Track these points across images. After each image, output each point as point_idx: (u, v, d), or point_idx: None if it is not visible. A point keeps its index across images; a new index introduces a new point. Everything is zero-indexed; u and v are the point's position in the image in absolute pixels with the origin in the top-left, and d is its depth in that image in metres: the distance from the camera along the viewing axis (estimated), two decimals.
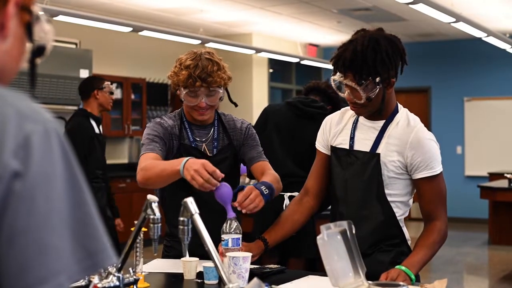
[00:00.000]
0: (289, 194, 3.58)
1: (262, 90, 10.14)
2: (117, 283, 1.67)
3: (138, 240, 1.95)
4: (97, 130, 4.31)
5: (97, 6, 7.62)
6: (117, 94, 8.27)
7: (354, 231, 1.89)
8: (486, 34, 8.07)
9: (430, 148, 2.16)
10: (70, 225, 0.82)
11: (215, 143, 2.49)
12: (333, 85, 2.24)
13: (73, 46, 7.78)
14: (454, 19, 6.99)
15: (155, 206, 1.71)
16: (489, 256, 7.78)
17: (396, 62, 2.16)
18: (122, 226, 4.50)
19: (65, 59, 6.65)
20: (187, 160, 2.12)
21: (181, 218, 1.67)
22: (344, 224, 1.89)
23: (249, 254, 2.05)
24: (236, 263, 2.01)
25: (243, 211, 2.17)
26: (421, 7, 6.29)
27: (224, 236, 2.16)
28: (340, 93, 2.27)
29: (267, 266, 2.27)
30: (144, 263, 2.22)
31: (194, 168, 2.07)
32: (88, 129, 4.24)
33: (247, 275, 2.02)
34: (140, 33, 7.54)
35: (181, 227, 1.68)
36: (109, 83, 4.40)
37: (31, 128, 0.81)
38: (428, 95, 10.62)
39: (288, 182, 3.65)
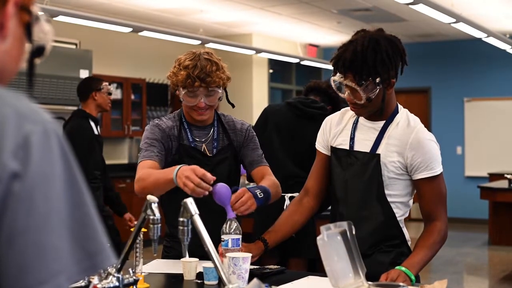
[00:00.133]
0: (289, 195, 3.58)
1: (262, 91, 10.14)
2: (117, 284, 1.67)
3: (137, 241, 1.95)
4: (95, 131, 4.31)
5: (97, 6, 7.62)
6: (117, 94, 8.27)
7: (354, 232, 1.89)
8: (486, 35, 8.07)
9: (430, 149, 2.16)
10: (69, 225, 0.82)
11: (215, 144, 2.49)
12: (333, 86, 2.24)
13: (73, 46, 7.77)
14: (454, 20, 6.99)
15: (155, 206, 1.71)
16: (489, 257, 7.78)
17: (396, 63, 2.16)
18: (134, 220, 4.47)
19: (65, 59, 6.65)
20: (179, 168, 2.12)
21: (181, 219, 1.67)
22: (344, 225, 1.88)
23: (249, 255, 2.05)
24: (236, 264, 2.00)
25: (234, 212, 2.17)
26: (421, 8, 6.29)
27: (224, 237, 2.15)
28: (340, 94, 2.27)
29: (267, 266, 2.27)
30: (144, 263, 2.22)
31: (185, 174, 2.07)
32: (87, 130, 4.24)
33: (247, 275, 2.02)
34: (140, 33, 7.54)
35: (181, 227, 1.68)
36: (107, 83, 4.39)
37: (30, 129, 0.80)
38: (428, 96, 10.62)
39: (289, 183, 3.65)
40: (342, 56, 2.14)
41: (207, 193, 2.09)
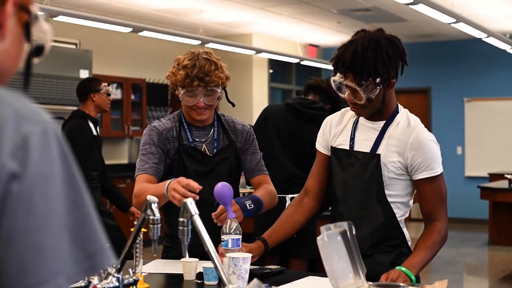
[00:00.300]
0: (290, 195, 3.58)
1: (262, 91, 10.14)
2: (117, 284, 1.67)
3: (137, 241, 1.94)
4: (94, 132, 4.32)
5: (97, 6, 7.62)
6: (117, 94, 8.27)
7: (354, 232, 1.89)
8: (486, 35, 8.07)
9: (430, 149, 2.15)
10: (69, 226, 0.82)
11: (215, 144, 2.49)
12: (333, 86, 2.24)
13: (73, 46, 7.77)
14: (454, 20, 6.99)
15: (154, 206, 1.71)
16: (489, 257, 7.78)
17: (396, 63, 2.15)
18: (138, 213, 4.47)
19: (65, 59, 6.65)
20: (169, 182, 2.13)
21: (181, 219, 1.67)
22: (344, 225, 1.88)
23: (249, 255, 2.05)
24: (236, 264, 2.00)
25: (218, 224, 2.19)
26: (421, 8, 6.29)
27: (224, 237, 2.15)
28: (340, 94, 2.26)
29: (267, 266, 2.27)
30: (144, 263, 2.21)
31: (172, 187, 2.09)
32: (86, 131, 4.25)
33: (247, 275, 2.02)
34: (140, 33, 7.53)
35: (180, 227, 1.67)
36: (106, 84, 4.39)
37: (29, 129, 0.80)
38: (428, 96, 10.62)
39: (289, 184, 3.65)
40: (342, 56, 2.14)
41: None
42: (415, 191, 2.23)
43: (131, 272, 1.75)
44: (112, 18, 7.30)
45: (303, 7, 7.94)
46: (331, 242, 1.82)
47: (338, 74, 2.17)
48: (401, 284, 1.90)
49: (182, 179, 2.09)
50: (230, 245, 2.14)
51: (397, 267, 2.05)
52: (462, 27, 7.42)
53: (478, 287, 6.53)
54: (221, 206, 2.20)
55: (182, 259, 2.16)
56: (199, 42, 8.20)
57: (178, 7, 7.78)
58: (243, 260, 2.01)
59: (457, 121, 10.36)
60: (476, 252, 7.90)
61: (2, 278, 0.77)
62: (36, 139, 0.80)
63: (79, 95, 4.39)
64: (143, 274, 2.05)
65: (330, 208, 2.41)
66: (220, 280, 1.59)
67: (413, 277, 2.03)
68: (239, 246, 2.15)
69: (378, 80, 2.11)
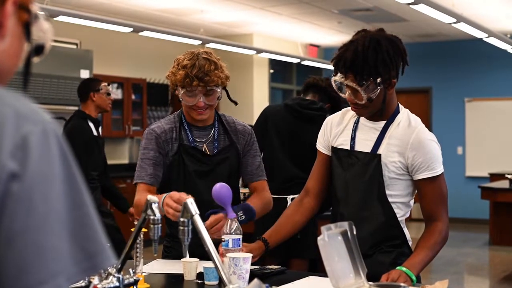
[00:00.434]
0: (291, 196, 3.57)
1: (262, 91, 10.13)
2: (117, 284, 1.66)
3: (138, 241, 1.94)
4: (95, 132, 4.32)
5: (97, 6, 7.62)
6: (118, 94, 8.27)
7: (355, 232, 1.89)
8: (487, 35, 8.06)
9: (431, 149, 2.15)
10: (69, 226, 0.82)
11: (216, 144, 2.49)
12: (334, 86, 2.24)
13: (74, 46, 7.77)
14: (455, 20, 6.99)
15: (155, 206, 1.70)
16: (489, 257, 7.77)
17: (397, 63, 2.15)
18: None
19: (66, 59, 6.65)
20: (164, 197, 2.16)
21: (181, 219, 1.66)
22: (345, 225, 1.88)
23: (250, 255, 2.05)
24: (236, 264, 2.00)
25: (213, 236, 2.21)
26: (421, 8, 6.28)
27: (224, 237, 2.15)
28: (341, 94, 2.26)
29: (267, 266, 2.26)
30: (144, 263, 2.21)
31: (165, 202, 2.14)
32: (86, 131, 4.25)
33: (247, 276, 2.02)
34: (140, 33, 7.53)
35: (181, 227, 1.67)
36: (105, 84, 4.39)
37: (29, 129, 0.80)
38: (429, 96, 10.62)
39: (290, 185, 3.65)
40: (343, 56, 2.13)
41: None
42: (416, 191, 2.23)
43: (131, 272, 1.75)
44: (113, 18, 7.29)
45: (303, 7, 7.93)
46: (331, 242, 1.82)
47: (338, 74, 2.17)
48: (402, 284, 1.90)
49: (174, 194, 2.14)
50: (230, 245, 2.13)
51: (398, 267, 2.05)
52: (462, 27, 7.42)
53: (478, 287, 6.53)
54: (212, 217, 2.22)
55: (182, 259, 2.16)
56: (200, 42, 8.20)
57: (178, 7, 7.78)
58: (244, 260, 2.01)
59: (458, 121, 10.36)
60: (476, 252, 7.90)
61: (2, 278, 0.77)
62: (36, 139, 0.80)
63: (80, 95, 4.40)
64: (143, 274, 2.05)
65: (330, 208, 2.41)
66: (221, 280, 1.59)
67: (413, 277, 2.03)
68: (239, 246, 2.15)
69: (378, 80, 2.11)
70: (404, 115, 2.23)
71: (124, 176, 7.85)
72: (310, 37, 10.21)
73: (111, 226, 4.32)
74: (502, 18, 8.61)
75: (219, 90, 2.41)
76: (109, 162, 4.80)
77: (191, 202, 1.65)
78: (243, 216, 2.30)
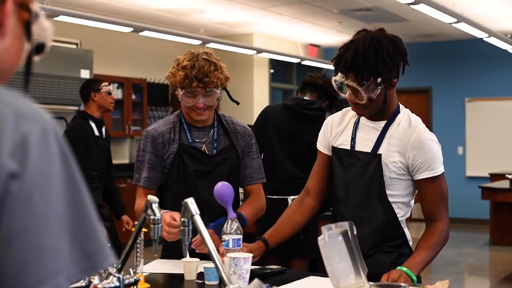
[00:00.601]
0: (292, 197, 3.57)
1: (263, 91, 10.13)
2: (117, 284, 1.66)
3: (138, 241, 1.94)
4: (97, 133, 4.31)
5: (97, 6, 7.62)
6: (118, 94, 8.27)
7: (355, 232, 1.88)
8: (487, 35, 8.06)
9: (431, 149, 2.15)
10: (69, 226, 0.81)
11: (215, 144, 2.48)
12: (334, 86, 2.23)
13: (74, 46, 7.77)
14: (455, 20, 6.98)
15: (155, 206, 1.70)
16: (490, 257, 7.77)
17: (397, 63, 2.15)
18: (131, 223, 4.47)
19: (66, 59, 6.65)
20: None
21: (182, 219, 1.66)
22: (345, 225, 1.88)
23: (250, 255, 2.05)
24: (237, 264, 2.00)
25: (196, 250, 2.24)
26: (422, 8, 6.28)
27: (224, 237, 2.15)
28: (341, 94, 2.26)
29: (267, 266, 2.26)
30: (145, 263, 2.21)
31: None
32: (86, 131, 4.24)
33: (247, 276, 2.01)
34: (140, 33, 7.53)
35: (181, 227, 1.67)
36: (106, 83, 4.40)
37: (28, 128, 0.80)
38: (429, 96, 10.61)
39: (290, 185, 3.65)
40: (344, 56, 2.13)
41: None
42: (416, 191, 2.22)
43: (131, 272, 1.75)
44: (113, 18, 7.29)
45: (304, 7, 7.93)
46: (332, 242, 1.82)
47: (339, 74, 2.16)
48: (402, 284, 1.90)
49: (165, 217, 2.19)
50: (231, 245, 2.13)
51: (398, 267, 2.04)
52: (463, 27, 7.42)
53: (479, 287, 6.52)
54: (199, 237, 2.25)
55: (183, 259, 2.16)
56: (200, 42, 8.20)
57: (179, 7, 7.78)
58: (244, 260, 2.01)
59: (458, 121, 10.35)
60: (477, 252, 7.89)
61: (1, 278, 0.77)
62: (36, 138, 0.80)
63: (82, 96, 4.42)
64: (143, 274, 2.05)
65: (331, 208, 2.40)
66: (221, 280, 1.59)
67: (414, 277, 2.03)
68: (240, 246, 2.15)
69: (379, 80, 2.11)
70: (405, 115, 2.23)
71: (124, 176, 7.85)
72: (310, 37, 10.21)
73: (111, 230, 4.32)
74: (502, 18, 8.61)
75: (218, 91, 2.41)
76: None
77: (191, 201, 1.64)
78: None
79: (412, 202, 2.25)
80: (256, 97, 9.89)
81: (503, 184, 7.65)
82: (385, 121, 2.21)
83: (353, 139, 2.24)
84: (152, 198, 1.71)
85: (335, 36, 9.86)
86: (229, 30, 9.39)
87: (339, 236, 1.86)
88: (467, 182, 10.16)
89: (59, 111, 6.37)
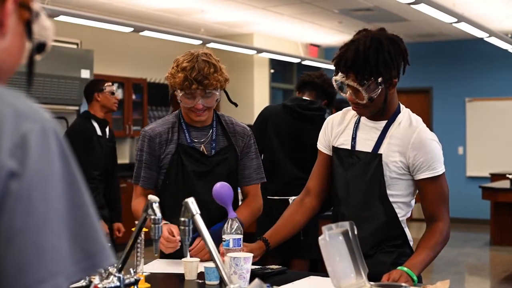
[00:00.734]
0: (293, 197, 3.57)
1: (263, 91, 10.13)
2: (118, 284, 1.66)
3: (139, 241, 1.94)
4: (99, 132, 4.30)
5: (98, 6, 7.62)
6: (118, 94, 8.26)
7: (356, 232, 1.88)
8: (488, 35, 8.06)
9: (432, 149, 2.15)
10: (68, 225, 0.81)
11: (213, 144, 2.48)
12: (335, 86, 2.23)
13: (74, 46, 7.77)
14: (455, 19, 6.98)
15: (156, 206, 1.70)
16: (490, 257, 7.77)
17: (398, 62, 2.14)
18: (122, 231, 4.46)
19: (66, 59, 6.64)
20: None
21: (182, 219, 1.66)
22: (346, 225, 1.88)
23: (251, 255, 2.05)
24: (237, 264, 2.00)
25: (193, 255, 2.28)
26: (422, 7, 6.28)
27: (225, 237, 2.15)
28: (342, 93, 2.26)
29: (268, 266, 2.26)
30: (145, 263, 2.21)
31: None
32: (87, 130, 4.24)
33: (248, 275, 2.01)
34: (141, 33, 7.53)
35: (182, 227, 1.67)
36: (110, 83, 4.40)
37: (28, 127, 0.80)
38: (429, 96, 10.61)
39: (291, 186, 3.65)
40: (344, 55, 2.13)
41: (177, 247, 2.26)
42: (417, 191, 2.22)
43: (132, 271, 1.75)
44: (113, 18, 7.29)
45: (304, 7, 7.93)
46: (332, 242, 1.82)
47: (340, 73, 2.16)
48: (403, 284, 1.90)
49: (164, 233, 2.22)
50: (231, 244, 2.13)
51: (399, 267, 2.04)
52: (463, 26, 7.41)
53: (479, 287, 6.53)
54: (198, 242, 2.29)
55: (183, 259, 2.16)
56: (200, 42, 8.19)
57: (179, 7, 7.78)
58: (245, 260, 2.00)
59: (459, 121, 10.35)
60: (477, 253, 7.89)
61: (1, 278, 0.77)
62: (35, 138, 0.79)
63: (85, 96, 4.44)
64: (144, 273, 2.05)
65: (331, 208, 2.40)
66: (222, 280, 1.59)
67: (415, 277, 2.03)
68: (240, 246, 2.15)
69: (380, 79, 2.11)
70: (405, 114, 2.22)
71: (124, 176, 7.84)
72: (310, 37, 10.21)
73: (110, 231, 4.32)
74: (503, 18, 8.60)
75: (217, 93, 2.41)
76: None
77: (192, 201, 1.64)
78: None
79: (413, 202, 2.25)
80: (256, 97, 9.89)
81: (504, 184, 7.65)
82: (386, 121, 2.21)
83: (354, 139, 2.24)
84: (153, 198, 1.71)
85: (336, 36, 9.86)
86: (230, 30, 9.39)
87: (340, 236, 1.86)
88: (468, 182, 10.16)
89: (59, 111, 6.37)
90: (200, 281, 2.11)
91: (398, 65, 2.15)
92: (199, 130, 2.49)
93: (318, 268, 3.53)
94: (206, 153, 2.47)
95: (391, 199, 2.17)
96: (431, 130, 2.22)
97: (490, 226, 8.12)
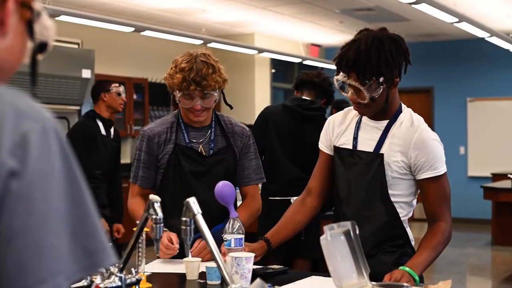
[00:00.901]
0: (294, 198, 3.57)
1: (264, 91, 10.13)
2: (119, 283, 1.66)
3: (140, 240, 1.94)
4: (103, 132, 4.31)
5: (99, 6, 7.62)
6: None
7: (357, 232, 1.88)
8: (489, 34, 8.05)
9: (434, 148, 2.14)
10: (69, 224, 0.81)
11: (212, 145, 2.48)
12: (336, 85, 2.23)
13: (75, 46, 7.77)
14: (457, 19, 6.97)
15: (157, 206, 1.70)
16: (492, 257, 7.76)
17: (399, 62, 2.14)
18: (122, 232, 4.46)
19: (67, 59, 6.65)
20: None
21: (183, 218, 1.66)
22: (347, 225, 1.87)
23: (252, 255, 2.04)
24: (239, 264, 1.99)
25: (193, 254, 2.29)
26: (424, 7, 6.28)
27: (226, 236, 2.15)
28: (343, 93, 2.25)
29: (270, 266, 2.26)
30: (146, 263, 2.21)
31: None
32: (89, 129, 4.24)
33: (249, 275, 2.01)
34: (142, 33, 7.53)
35: (183, 227, 1.67)
36: (117, 85, 4.42)
37: (28, 126, 0.79)
38: (431, 96, 10.60)
39: (292, 186, 3.64)
40: (346, 55, 2.13)
41: (175, 253, 2.30)
42: (419, 191, 2.22)
43: (133, 271, 1.75)
44: (115, 17, 7.29)
45: (305, 7, 7.93)
46: (334, 242, 1.82)
47: (341, 73, 2.16)
48: (405, 284, 1.89)
49: (163, 240, 2.25)
50: (232, 244, 2.13)
51: (401, 267, 2.04)
52: (465, 26, 7.41)
53: (481, 287, 6.52)
54: (199, 243, 2.30)
55: (184, 259, 2.16)
56: (201, 41, 8.19)
57: (180, 6, 7.78)
58: (246, 259, 2.00)
59: (460, 121, 10.34)
60: (479, 253, 7.89)
61: (1, 277, 0.77)
62: (36, 137, 0.79)
63: (92, 96, 4.48)
64: (145, 273, 2.05)
65: (333, 208, 2.40)
66: (223, 279, 1.58)
67: (416, 277, 2.02)
68: (241, 245, 2.15)
69: (381, 79, 2.10)
70: (407, 114, 2.22)
71: (125, 175, 7.83)
72: (311, 36, 10.21)
73: (111, 231, 4.32)
74: (504, 18, 8.60)
75: (216, 94, 2.41)
76: None
77: (193, 201, 1.64)
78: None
79: (415, 201, 2.24)
80: (257, 97, 9.88)
81: (505, 184, 7.65)
82: (387, 121, 2.20)
83: (355, 138, 2.24)
84: (154, 197, 1.71)
85: (337, 36, 9.86)
86: (231, 29, 9.39)
87: (342, 236, 1.85)
88: (469, 182, 10.16)
89: (60, 110, 6.37)
90: (201, 281, 2.11)
91: (400, 64, 2.14)
92: (198, 131, 2.49)
93: (320, 268, 3.53)
94: (204, 153, 2.47)
95: (392, 199, 2.17)
96: (432, 130, 2.22)
97: (492, 226, 8.11)
